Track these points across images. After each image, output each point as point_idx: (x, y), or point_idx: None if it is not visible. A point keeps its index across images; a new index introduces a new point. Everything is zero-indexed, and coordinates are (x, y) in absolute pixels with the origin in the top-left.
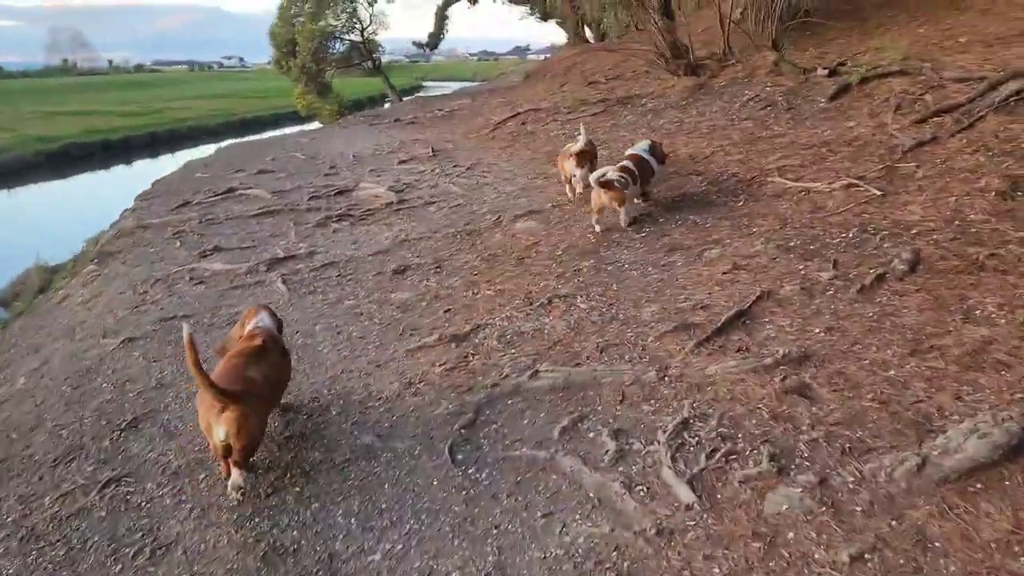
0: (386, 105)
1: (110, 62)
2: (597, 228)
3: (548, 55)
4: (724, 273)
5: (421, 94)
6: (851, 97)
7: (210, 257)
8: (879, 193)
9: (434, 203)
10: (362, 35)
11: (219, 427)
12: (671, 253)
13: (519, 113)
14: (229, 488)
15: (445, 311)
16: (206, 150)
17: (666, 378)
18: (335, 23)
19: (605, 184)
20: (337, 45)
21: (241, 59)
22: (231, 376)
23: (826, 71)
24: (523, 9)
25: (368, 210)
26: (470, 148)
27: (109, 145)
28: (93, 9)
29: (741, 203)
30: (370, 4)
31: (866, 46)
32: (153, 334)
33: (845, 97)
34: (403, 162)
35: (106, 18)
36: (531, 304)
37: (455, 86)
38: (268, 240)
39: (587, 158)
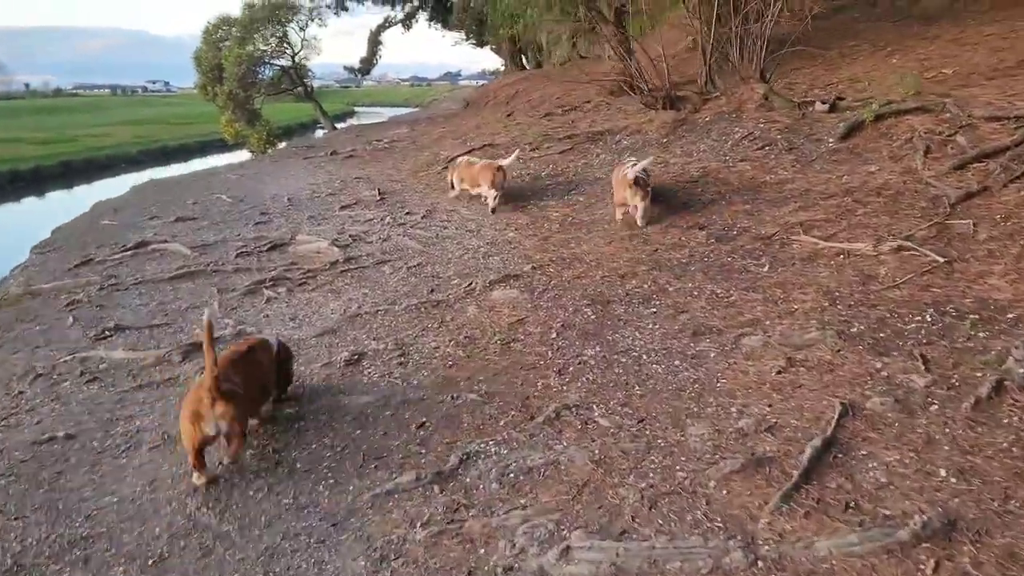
0: (319, 133)
1: (27, 86)
2: (618, 217)
3: (481, 81)
4: (779, 373)
5: (353, 121)
6: (864, 137)
7: (110, 340)
8: (942, 260)
9: (388, 262)
10: (293, 60)
11: (210, 420)
12: (697, 338)
13: (473, 150)
14: (195, 479)
15: (418, 426)
16: (124, 181)
17: (760, 563)
18: (264, 48)
19: (635, 181)
20: (266, 70)
21: (167, 83)
22: (223, 375)
23: (825, 106)
24: (457, 35)
25: (309, 271)
26: (422, 190)
27: (17, 176)
28: (8, 31)
29: (766, 268)
30: (301, 28)
31: (836, 77)
32: (22, 468)
33: (857, 137)
34: (346, 207)
35: (22, 41)
36: (533, 418)
37: (388, 112)
38: (185, 314)
39: (503, 175)
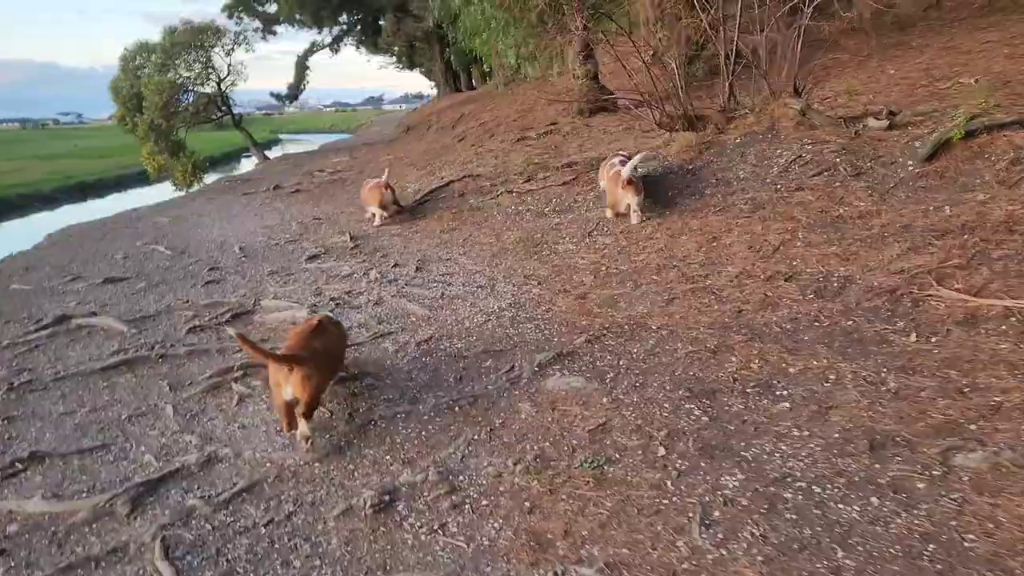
0: (251, 161)
1: None
2: (609, 215)
3: (404, 105)
4: None
5: (280, 148)
6: (953, 158)
7: (21, 478)
8: None
9: (389, 335)
10: (219, 86)
11: (287, 386)
12: (879, 455)
13: (452, 182)
14: (298, 437)
15: None
16: (37, 226)
17: None
18: (187, 74)
19: (628, 182)
20: (189, 98)
21: (79, 115)
22: (296, 346)
23: (883, 122)
24: (382, 58)
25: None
26: (401, 233)
27: None
28: None
29: (912, 337)
30: (227, 53)
31: (830, 89)
32: None
33: (944, 158)
34: (315, 258)
35: None
36: None
37: (316, 139)
38: (127, 430)
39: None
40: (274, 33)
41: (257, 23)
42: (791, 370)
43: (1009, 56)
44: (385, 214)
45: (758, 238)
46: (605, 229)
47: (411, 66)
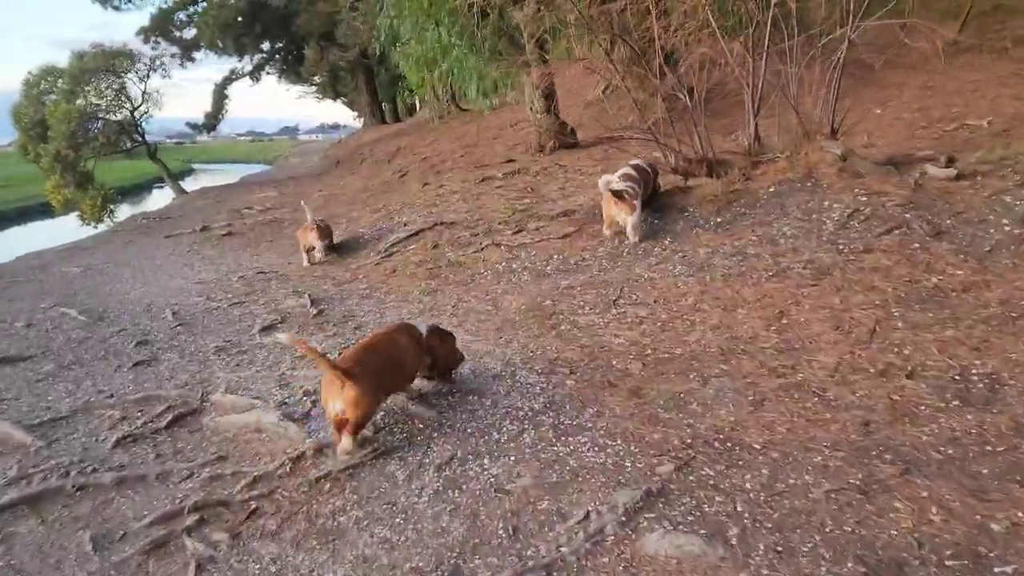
0: (164, 194)
1: None
2: (606, 232)
3: (320, 136)
4: None
5: (194, 179)
6: None
7: None
8: None
9: (395, 453)
10: (132, 115)
11: (337, 400)
12: None
13: (422, 230)
14: (338, 450)
15: None
16: None
17: None
18: (98, 101)
19: (616, 194)
20: (99, 126)
21: None
22: (355, 357)
23: (952, 171)
24: (300, 88)
25: (257, 483)
26: (371, 294)
27: None
28: None
29: None
30: (141, 79)
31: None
32: None
33: None
34: (270, 328)
35: None
36: None
37: (233, 169)
38: None
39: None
40: (192, 59)
41: (175, 48)
42: (995, 527)
43: (1015, 96)
44: (318, 255)
45: (840, 315)
46: (634, 296)
47: (335, 96)
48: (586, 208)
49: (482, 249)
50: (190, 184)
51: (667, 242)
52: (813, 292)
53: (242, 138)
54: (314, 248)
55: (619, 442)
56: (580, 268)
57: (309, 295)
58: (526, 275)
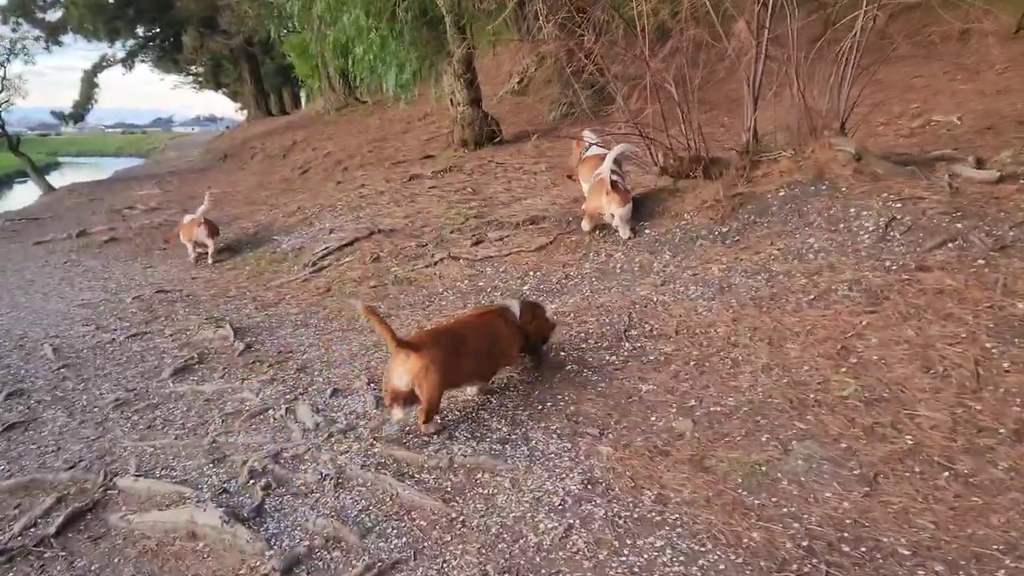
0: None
1: None
2: (585, 227)
3: (197, 128)
4: None
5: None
6: None
7: None
8: None
9: (399, 570)
10: None
11: (400, 375)
12: None
13: (357, 240)
14: (393, 418)
15: None
16: None
17: None
18: None
19: (613, 186)
20: None
21: None
22: (432, 333)
23: (990, 173)
24: (176, 77)
25: None
26: (306, 321)
27: None
28: None
29: None
30: (1, 65)
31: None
32: None
33: None
34: (183, 371)
35: None
36: None
37: (104, 163)
38: None
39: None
40: (59, 44)
41: (39, 31)
42: None
43: (979, 92)
44: (206, 251)
45: (924, 352)
46: (648, 325)
47: (216, 87)
48: (554, 215)
49: (436, 263)
50: (57, 179)
51: (667, 256)
52: (875, 321)
53: (111, 130)
54: (206, 247)
55: (708, 546)
56: (566, 288)
57: (230, 323)
58: (498, 296)
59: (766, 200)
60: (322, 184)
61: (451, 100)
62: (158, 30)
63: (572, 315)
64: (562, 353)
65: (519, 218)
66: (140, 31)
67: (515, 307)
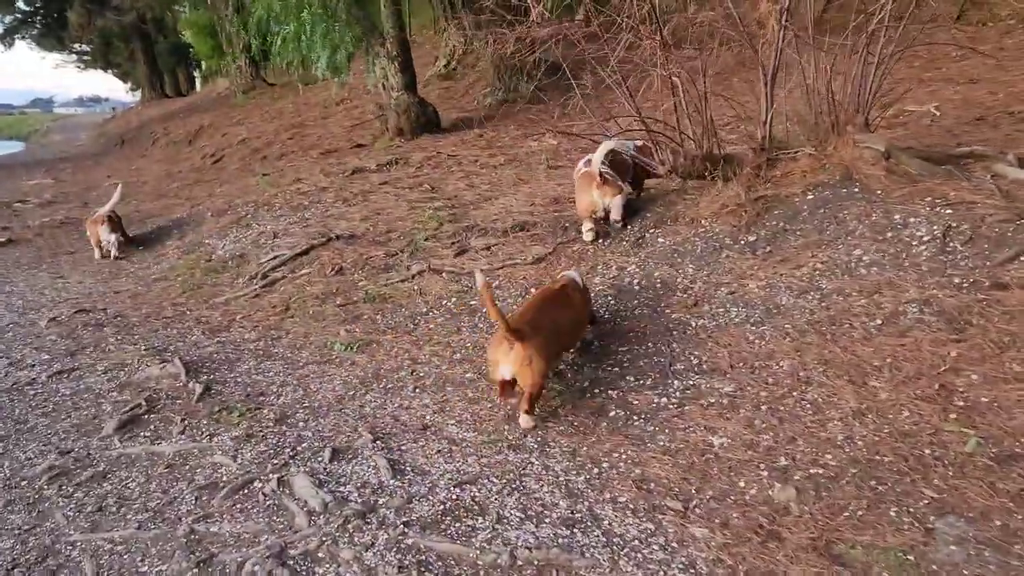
0: None
1: None
2: (587, 238)
3: (79, 109)
4: None
5: None
6: None
7: None
8: None
9: None
10: None
11: (505, 364)
12: None
13: (313, 247)
14: (521, 424)
15: None
16: None
17: None
18: None
19: (603, 179)
20: None
21: None
22: (524, 318)
23: None
24: (59, 56)
25: None
26: (264, 345)
27: None
28: None
29: None
30: None
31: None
32: None
33: None
34: (131, 425)
35: None
36: None
37: None
38: None
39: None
40: None
41: None
42: None
43: (947, 80)
44: (113, 252)
45: None
46: (695, 357)
47: (105, 66)
48: (545, 220)
49: (413, 277)
50: None
51: (690, 270)
52: (966, 352)
53: None
54: (111, 243)
55: None
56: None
57: (179, 356)
58: (478, 322)
59: (794, 204)
60: (241, 175)
61: (383, 85)
62: (40, 5)
63: (596, 343)
64: (597, 393)
65: (503, 223)
66: (21, 6)
67: (577, 277)
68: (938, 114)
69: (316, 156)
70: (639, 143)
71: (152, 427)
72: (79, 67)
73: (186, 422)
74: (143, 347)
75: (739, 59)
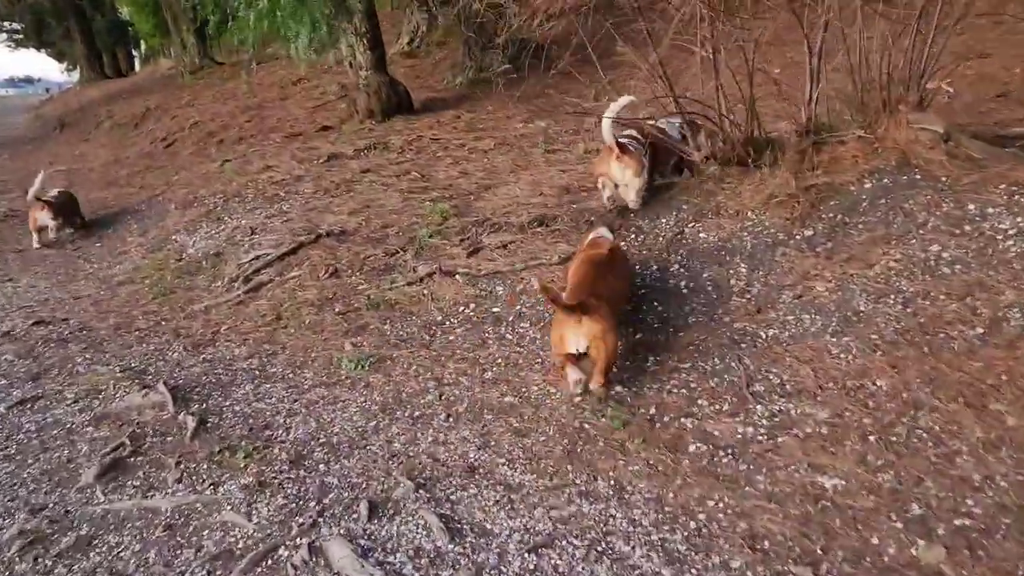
0: None
1: None
2: (606, 198)
3: (12, 89)
4: None
5: None
6: None
7: None
8: None
9: None
10: None
11: (576, 339)
12: None
13: (302, 245)
14: (570, 383)
15: None
16: None
17: None
18: None
19: (622, 149)
20: None
21: None
22: (584, 288)
23: None
24: None
25: None
26: (259, 364)
27: None
28: None
29: None
30: None
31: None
32: None
33: None
34: (112, 469)
35: None
36: None
37: None
38: None
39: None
40: None
41: None
42: None
43: (952, 54)
44: (51, 235)
45: None
46: (771, 375)
47: (39, 45)
48: (564, 213)
49: (421, 280)
50: None
51: (743, 269)
52: None
53: None
54: (46, 227)
55: None
56: (624, 317)
57: (163, 382)
58: (530, 328)
59: (850, 193)
60: (197, 161)
61: (349, 64)
62: None
63: (651, 357)
64: (668, 420)
65: (517, 217)
66: None
67: (607, 232)
68: (952, 91)
69: (281, 140)
70: (690, 121)
71: (141, 473)
72: (10, 46)
73: (182, 467)
74: (117, 368)
75: (774, 29)
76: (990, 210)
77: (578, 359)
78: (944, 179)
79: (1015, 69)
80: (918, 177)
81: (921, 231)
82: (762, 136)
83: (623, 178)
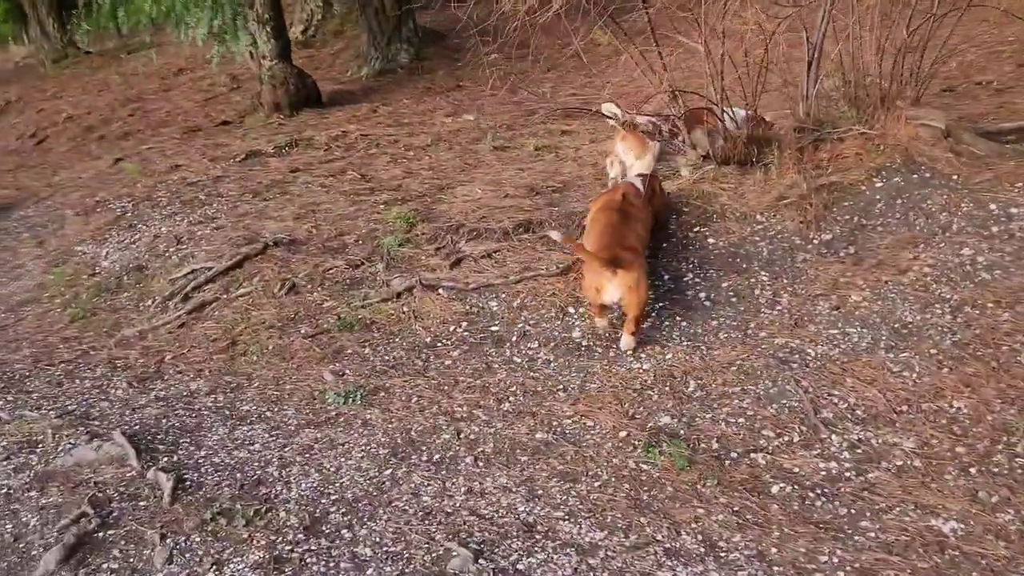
0: None
1: None
2: (611, 174)
3: None
4: None
5: None
6: None
7: None
8: None
9: None
10: None
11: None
12: None
13: (248, 258)
14: (623, 346)
15: None
16: None
17: None
18: None
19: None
20: None
21: None
22: (614, 239)
23: None
24: None
25: None
26: (225, 401)
27: None
28: None
29: None
30: None
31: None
32: None
33: None
34: (76, 549)
35: None
36: None
37: None
38: None
39: None
40: None
41: None
42: None
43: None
44: None
45: None
46: (835, 399)
47: None
48: (545, 215)
49: (399, 295)
50: None
51: (764, 278)
52: None
53: None
54: None
55: None
56: (642, 335)
57: (119, 430)
58: (540, 348)
59: (862, 193)
60: (78, 158)
61: (251, 53)
62: None
63: (693, 382)
64: (736, 457)
65: (497, 222)
66: None
67: (638, 183)
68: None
69: (180, 136)
70: (750, 112)
71: (118, 553)
72: None
73: (169, 541)
74: (52, 412)
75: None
76: (1013, 209)
77: (608, 309)
78: (955, 177)
79: (996, 60)
80: (928, 176)
81: (947, 233)
82: (765, 133)
83: (628, 157)
